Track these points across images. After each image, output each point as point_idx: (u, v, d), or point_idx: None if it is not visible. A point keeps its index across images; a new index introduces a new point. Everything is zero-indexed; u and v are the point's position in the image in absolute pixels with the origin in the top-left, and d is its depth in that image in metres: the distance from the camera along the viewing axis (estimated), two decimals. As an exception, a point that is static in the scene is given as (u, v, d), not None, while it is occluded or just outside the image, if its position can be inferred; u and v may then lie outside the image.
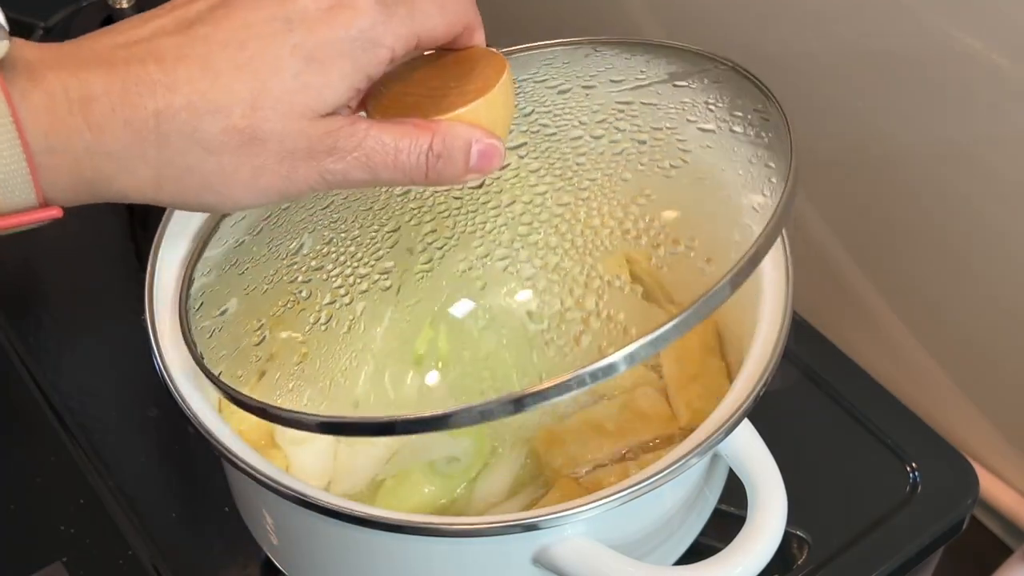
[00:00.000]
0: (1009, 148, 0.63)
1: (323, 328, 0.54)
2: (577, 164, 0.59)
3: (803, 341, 0.69)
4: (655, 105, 0.57)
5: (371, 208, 0.57)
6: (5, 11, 0.42)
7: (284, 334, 0.55)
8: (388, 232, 0.57)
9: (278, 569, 0.58)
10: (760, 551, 0.49)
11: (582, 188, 0.59)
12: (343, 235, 0.56)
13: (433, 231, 0.57)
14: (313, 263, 0.55)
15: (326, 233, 0.56)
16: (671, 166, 0.57)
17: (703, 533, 0.59)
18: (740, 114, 0.55)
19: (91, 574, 0.60)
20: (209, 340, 0.51)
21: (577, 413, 0.59)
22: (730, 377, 0.61)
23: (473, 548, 0.51)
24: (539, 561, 0.49)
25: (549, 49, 0.58)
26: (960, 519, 0.63)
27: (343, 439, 0.58)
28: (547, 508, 0.47)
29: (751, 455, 0.51)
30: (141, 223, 0.79)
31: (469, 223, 0.58)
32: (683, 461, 0.47)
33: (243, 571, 0.61)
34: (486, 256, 0.58)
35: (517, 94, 0.57)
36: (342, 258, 0.56)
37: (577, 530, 0.49)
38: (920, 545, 0.62)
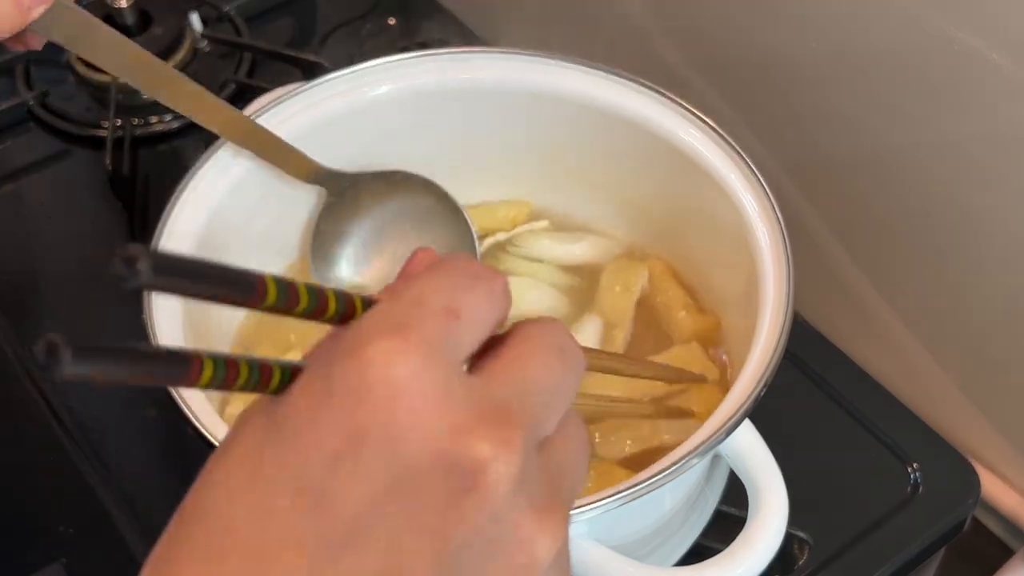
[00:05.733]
0: (1010, 148, 0.62)
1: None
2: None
3: (803, 341, 0.69)
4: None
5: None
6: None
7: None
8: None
9: (278, 570, 0.57)
10: (761, 552, 0.49)
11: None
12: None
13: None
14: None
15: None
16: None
17: (704, 534, 0.59)
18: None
19: (90, 575, 0.60)
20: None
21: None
22: (729, 377, 0.61)
23: (473, 549, 0.50)
24: (539, 562, 0.49)
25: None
26: (961, 519, 0.63)
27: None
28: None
29: (752, 455, 0.51)
30: (141, 223, 0.79)
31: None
32: (683, 461, 0.47)
33: (243, 572, 0.61)
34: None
35: None
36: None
37: (577, 531, 0.49)
38: (921, 545, 0.62)
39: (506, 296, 0.31)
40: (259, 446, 0.29)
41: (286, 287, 0.28)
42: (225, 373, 0.27)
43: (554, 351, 0.32)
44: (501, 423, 0.29)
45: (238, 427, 0.30)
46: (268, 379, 0.28)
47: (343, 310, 0.29)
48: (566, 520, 0.31)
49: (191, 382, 0.27)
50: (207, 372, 0.27)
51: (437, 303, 0.29)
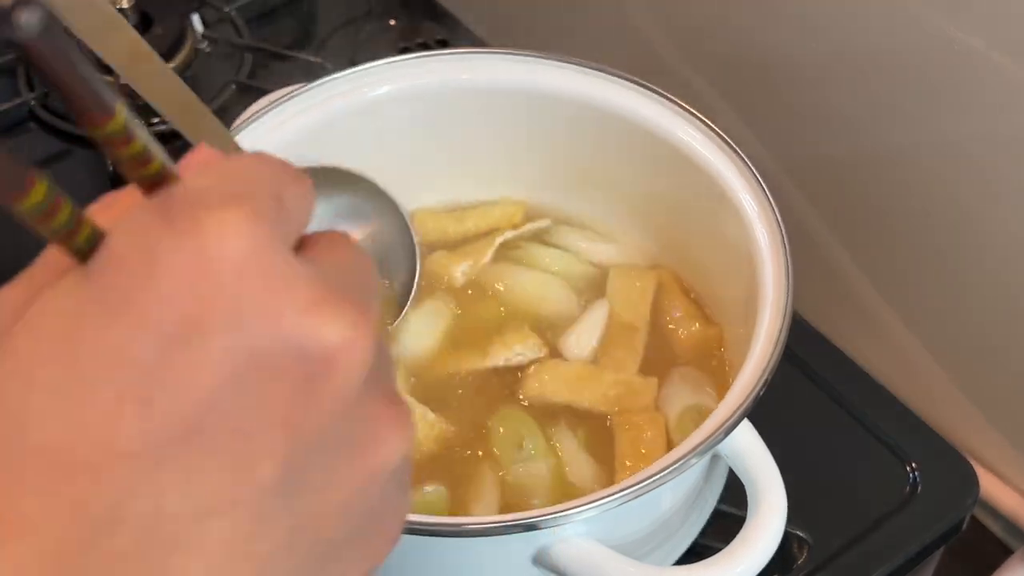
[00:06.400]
0: (1010, 148, 0.63)
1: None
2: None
3: (803, 341, 0.69)
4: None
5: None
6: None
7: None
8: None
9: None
10: (760, 551, 0.49)
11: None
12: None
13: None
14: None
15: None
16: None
17: (703, 533, 0.59)
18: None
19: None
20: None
21: None
22: (730, 378, 0.61)
23: (473, 548, 0.51)
24: (539, 561, 0.49)
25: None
26: (960, 519, 0.63)
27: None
28: (547, 508, 0.47)
29: (751, 455, 0.51)
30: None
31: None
32: (683, 461, 0.47)
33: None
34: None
35: None
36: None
37: (577, 530, 0.49)
38: (920, 545, 0.62)
39: (314, 197, 0.28)
40: (70, 328, 0.24)
41: (133, 124, 0.24)
42: (50, 204, 0.23)
43: (355, 246, 0.29)
44: (347, 305, 0.25)
45: (39, 301, 0.25)
46: (76, 232, 0.24)
47: (163, 175, 0.25)
48: (411, 417, 0.28)
49: (15, 198, 0.22)
50: (37, 195, 0.22)
51: (264, 184, 0.26)
